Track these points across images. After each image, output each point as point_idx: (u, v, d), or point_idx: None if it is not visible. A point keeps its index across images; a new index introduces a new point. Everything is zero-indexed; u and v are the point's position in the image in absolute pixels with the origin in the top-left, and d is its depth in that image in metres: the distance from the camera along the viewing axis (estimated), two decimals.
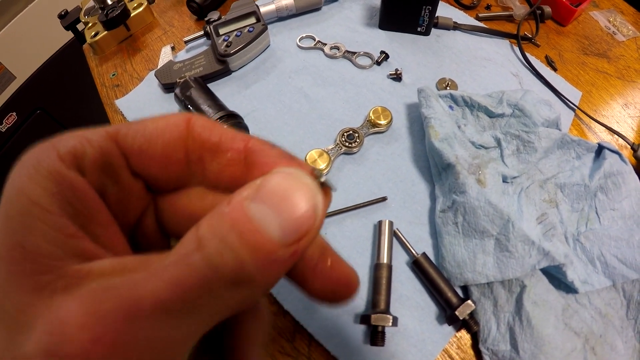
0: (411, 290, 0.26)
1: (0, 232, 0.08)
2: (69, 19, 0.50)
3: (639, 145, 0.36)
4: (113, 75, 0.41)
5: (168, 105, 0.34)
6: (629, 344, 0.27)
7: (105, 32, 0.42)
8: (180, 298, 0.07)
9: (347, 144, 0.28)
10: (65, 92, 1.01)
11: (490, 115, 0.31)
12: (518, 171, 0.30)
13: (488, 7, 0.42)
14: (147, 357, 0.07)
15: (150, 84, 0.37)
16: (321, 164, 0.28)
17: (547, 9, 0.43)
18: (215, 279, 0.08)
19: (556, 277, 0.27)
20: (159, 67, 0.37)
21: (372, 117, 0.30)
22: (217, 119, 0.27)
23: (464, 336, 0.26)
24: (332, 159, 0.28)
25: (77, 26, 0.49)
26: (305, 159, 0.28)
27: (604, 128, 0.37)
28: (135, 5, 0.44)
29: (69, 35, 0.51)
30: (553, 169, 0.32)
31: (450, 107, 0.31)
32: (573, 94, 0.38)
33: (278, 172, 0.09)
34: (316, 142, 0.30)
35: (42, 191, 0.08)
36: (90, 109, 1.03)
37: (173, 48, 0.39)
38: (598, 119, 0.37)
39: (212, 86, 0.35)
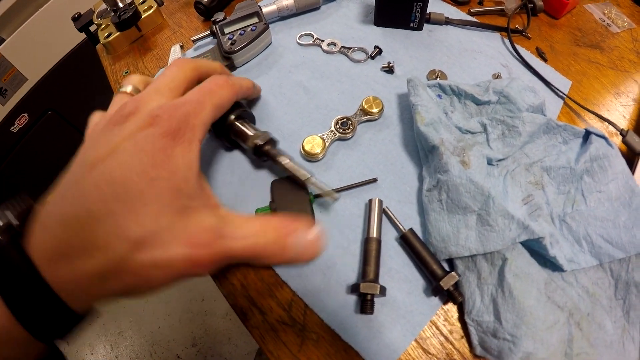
0: (400, 264, 0.29)
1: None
2: (82, 21, 0.55)
3: (627, 131, 0.38)
4: (126, 73, 0.46)
5: None
6: (617, 324, 0.29)
7: (118, 33, 0.47)
8: (245, 257, 0.17)
9: (341, 130, 0.32)
10: (75, 93, 1.07)
11: (477, 102, 0.34)
12: (503, 154, 0.32)
13: (480, 2, 0.45)
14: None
15: None
16: (317, 149, 0.31)
17: (539, 3, 0.46)
18: (259, 255, 0.17)
19: (540, 253, 0.29)
20: (168, 64, 0.41)
21: (365, 106, 0.33)
22: None
23: (451, 309, 0.29)
24: (327, 144, 0.32)
25: (90, 28, 0.55)
26: (302, 144, 0.31)
27: (594, 115, 0.40)
28: (146, 7, 0.49)
29: (79, 37, 0.56)
30: (539, 153, 0.35)
31: (439, 95, 0.34)
32: (563, 83, 0.41)
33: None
34: (313, 129, 0.33)
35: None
36: (99, 109, 1.09)
37: (182, 47, 0.43)
38: (587, 107, 0.40)
39: None
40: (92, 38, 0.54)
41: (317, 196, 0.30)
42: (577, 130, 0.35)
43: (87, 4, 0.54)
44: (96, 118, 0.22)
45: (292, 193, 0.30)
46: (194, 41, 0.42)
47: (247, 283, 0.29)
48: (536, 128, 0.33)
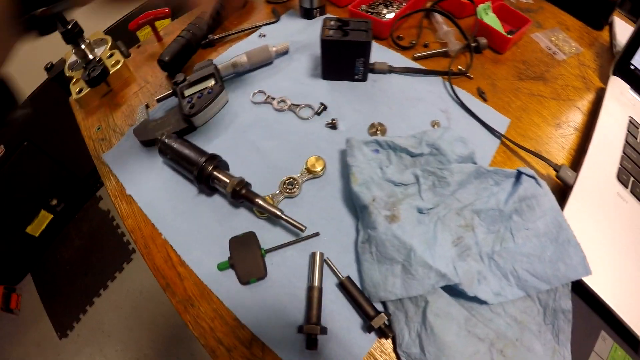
0: (340, 305, 0.35)
1: None
2: (54, 71, 0.61)
3: (561, 166, 0.44)
4: (98, 129, 0.52)
5: (148, 159, 0.45)
6: (548, 346, 0.35)
7: (89, 89, 0.54)
8: None
9: (287, 190, 0.38)
10: (50, 124, 1.14)
11: (411, 155, 0.40)
12: (433, 203, 0.39)
13: (426, 45, 0.51)
14: None
15: (130, 139, 0.48)
16: None
17: (483, 41, 0.51)
18: None
19: (461, 293, 0.36)
20: (136, 125, 0.47)
21: (309, 166, 0.39)
22: (203, 162, 0.38)
23: (386, 342, 0.35)
24: (276, 203, 0.38)
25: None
26: None
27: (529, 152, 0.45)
28: (113, 62, 0.55)
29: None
30: (471, 197, 0.40)
31: (376, 150, 0.40)
32: (501, 121, 0.46)
33: None
34: (264, 188, 0.39)
35: None
36: (75, 139, 1.16)
37: (147, 106, 0.49)
38: (525, 144, 0.45)
39: None
40: (65, 86, 0.60)
41: (268, 250, 0.37)
42: (508, 172, 0.41)
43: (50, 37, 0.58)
44: None
45: (246, 249, 0.37)
46: (158, 100, 0.48)
47: (214, 326, 0.36)
48: (465, 177, 0.39)
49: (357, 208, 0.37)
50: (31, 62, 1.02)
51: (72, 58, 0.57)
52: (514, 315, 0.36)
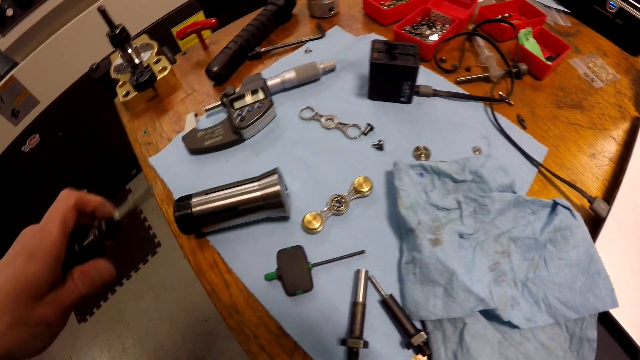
0: (380, 321, 0.38)
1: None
2: (99, 72, 0.64)
3: (595, 198, 0.46)
4: (145, 132, 0.55)
5: (196, 167, 0.48)
6: None
7: (136, 92, 0.56)
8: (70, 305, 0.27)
9: (336, 207, 0.41)
10: (86, 116, 1.18)
11: (455, 180, 0.43)
12: (473, 229, 0.41)
13: (468, 69, 0.52)
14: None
15: (177, 146, 0.50)
16: (316, 224, 0.40)
17: (523, 67, 0.53)
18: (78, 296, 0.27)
19: (496, 317, 0.38)
20: (185, 132, 0.50)
21: (356, 185, 0.42)
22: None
23: (421, 358, 0.38)
24: (324, 220, 0.41)
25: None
26: (303, 221, 0.41)
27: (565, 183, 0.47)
28: (160, 68, 0.58)
29: (89, 64, 0.64)
30: (508, 224, 0.43)
31: (421, 174, 0.43)
32: (539, 150, 0.48)
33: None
34: (312, 204, 0.42)
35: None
36: (109, 133, 1.19)
37: (196, 115, 0.52)
38: (561, 174, 0.47)
39: (229, 152, 0.48)
40: (109, 87, 0.62)
41: (315, 265, 0.39)
42: (544, 202, 0.43)
43: (99, 31, 0.57)
44: (24, 231, 0.29)
45: (294, 262, 0.39)
46: (206, 110, 0.50)
47: (258, 333, 0.39)
48: (505, 205, 0.41)
49: (402, 230, 0.40)
50: (72, 56, 1.05)
51: (118, 61, 0.60)
52: (542, 340, 0.39)
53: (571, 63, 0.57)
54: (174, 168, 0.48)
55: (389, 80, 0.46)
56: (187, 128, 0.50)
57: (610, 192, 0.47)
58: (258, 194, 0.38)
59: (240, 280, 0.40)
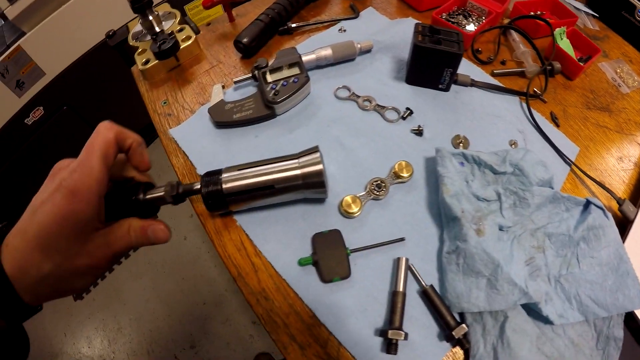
0: (419, 312, 0.36)
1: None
2: (116, 39, 0.59)
3: (624, 200, 0.46)
4: (164, 103, 0.51)
5: (222, 140, 0.44)
6: None
7: (157, 61, 0.52)
8: (120, 252, 0.26)
9: (375, 192, 0.39)
10: (92, 91, 1.11)
11: (494, 172, 0.42)
12: (513, 222, 0.40)
13: (503, 62, 0.52)
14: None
15: (202, 118, 0.47)
16: (354, 208, 0.38)
17: (557, 65, 0.53)
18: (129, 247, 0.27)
19: (534, 310, 0.38)
20: (211, 103, 0.46)
21: (397, 170, 0.40)
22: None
23: (458, 351, 0.37)
24: (362, 203, 0.39)
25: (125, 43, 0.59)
26: (341, 203, 0.38)
27: (596, 183, 0.47)
28: (184, 37, 0.54)
29: (99, 36, 0.60)
30: (544, 220, 0.42)
31: (462, 163, 0.42)
32: (571, 149, 0.48)
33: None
34: (349, 187, 0.40)
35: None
36: (115, 108, 1.12)
37: (223, 86, 0.48)
38: (591, 174, 0.47)
39: (259, 127, 0.45)
40: (125, 56, 0.58)
41: (353, 250, 0.37)
42: (578, 200, 0.43)
43: (111, 2, 0.56)
44: (58, 164, 0.28)
45: (332, 247, 0.37)
46: (235, 82, 0.47)
47: (289, 322, 0.36)
48: (543, 200, 0.41)
49: (445, 218, 0.38)
50: (81, 28, 0.98)
51: (137, 28, 0.56)
52: (572, 337, 0.39)
53: (600, 67, 0.58)
54: (198, 141, 0.44)
55: (431, 65, 0.44)
56: (214, 100, 0.46)
57: (636, 195, 0.47)
58: (297, 172, 0.36)
59: (271, 265, 0.38)
